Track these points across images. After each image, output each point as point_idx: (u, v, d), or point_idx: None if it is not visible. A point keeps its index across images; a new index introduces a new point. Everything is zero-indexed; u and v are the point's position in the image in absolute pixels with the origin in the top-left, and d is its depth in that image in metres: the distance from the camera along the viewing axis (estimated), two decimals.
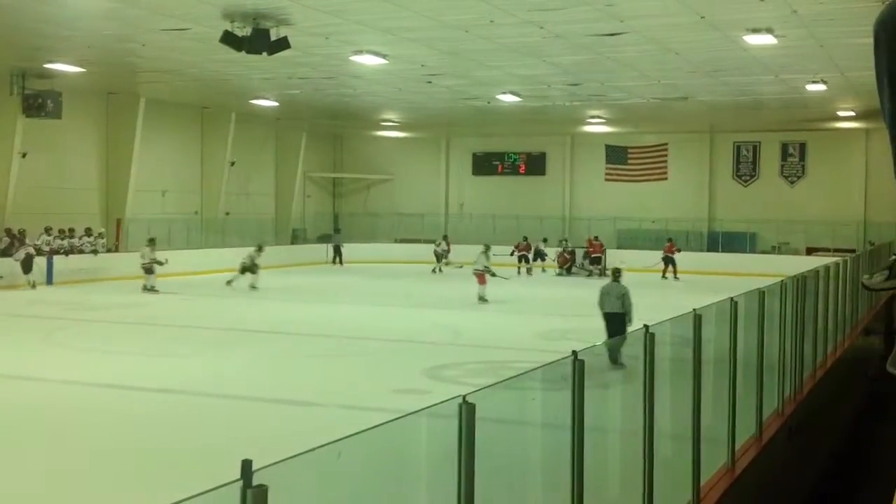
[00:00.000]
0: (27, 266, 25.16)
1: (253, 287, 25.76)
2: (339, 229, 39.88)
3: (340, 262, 37.36)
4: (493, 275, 24.00)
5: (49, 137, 28.78)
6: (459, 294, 26.26)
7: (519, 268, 33.84)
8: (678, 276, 31.61)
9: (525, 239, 35.02)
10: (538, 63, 23.82)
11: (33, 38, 21.67)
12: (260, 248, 27.03)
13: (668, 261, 32.26)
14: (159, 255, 25.14)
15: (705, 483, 7.01)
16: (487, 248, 24.85)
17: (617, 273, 15.05)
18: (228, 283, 26.04)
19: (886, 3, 2.10)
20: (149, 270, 25.18)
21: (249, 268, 26.18)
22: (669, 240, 33.48)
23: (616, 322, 13.73)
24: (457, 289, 27.80)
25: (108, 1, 17.75)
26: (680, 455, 6.90)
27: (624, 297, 14.01)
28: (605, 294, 14.36)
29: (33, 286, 25.20)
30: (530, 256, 34.49)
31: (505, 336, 17.86)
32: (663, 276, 31.82)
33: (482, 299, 23.50)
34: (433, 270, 33.89)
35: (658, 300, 22.97)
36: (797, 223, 36.07)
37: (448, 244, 35.45)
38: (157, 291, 24.74)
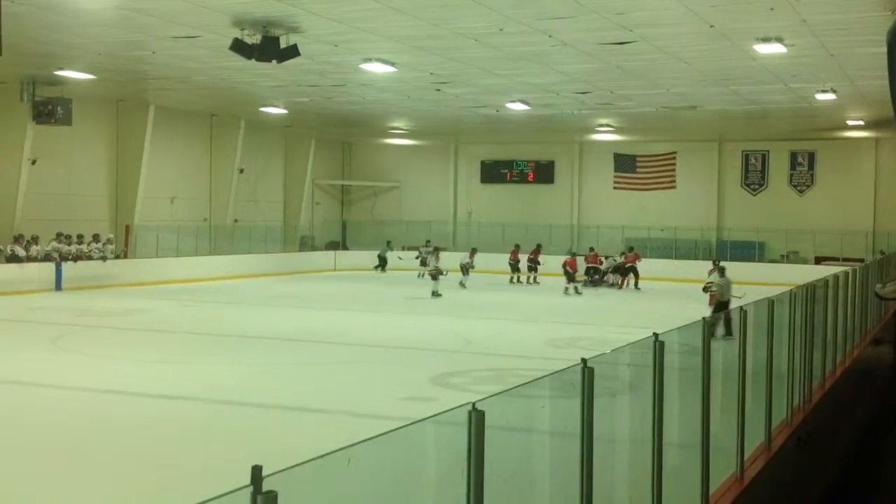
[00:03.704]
0: None
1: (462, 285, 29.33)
2: (389, 242, 38.86)
3: (383, 270, 37.15)
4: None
5: (59, 144, 28.92)
6: (468, 302, 26.25)
7: (512, 277, 33.44)
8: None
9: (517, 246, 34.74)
10: (547, 71, 23.84)
11: (44, 46, 21.76)
12: (436, 250, 29.42)
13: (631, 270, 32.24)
14: (443, 266, 28.05)
15: (714, 492, 6.98)
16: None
17: (723, 269, 19.50)
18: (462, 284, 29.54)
19: None
20: (434, 276, 27.63)
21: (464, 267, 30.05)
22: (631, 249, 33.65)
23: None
24: (466, 297, 27.81)
25: (119, 8, 17.83)
26: (689, 464, 6.87)
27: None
28: (725, 286, 18.38)
29: None
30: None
31: (513, 343, 17.83)
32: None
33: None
34: (419, 275, 33.32)
35: (668, 308, 23.00)
36: (806, 232, 36.00)
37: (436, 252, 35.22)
38: (439, 295, 26.91)
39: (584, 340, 17.93)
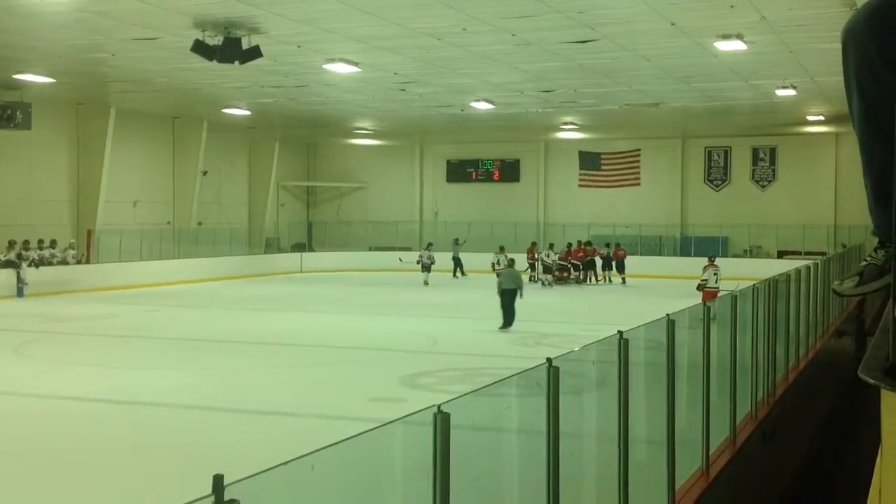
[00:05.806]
0: None
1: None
2: (457, 239, 36.59)
3: (463, 273, 34.98)
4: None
5: (19, 149, 28.53)
6: (437, 302, 26.24)
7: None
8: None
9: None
10: (511, 70, 23.89)
11: (2, 49, 21.45)
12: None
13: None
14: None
15: (680, 487, 7.03)
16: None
17: (512, 261, 22.49)
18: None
19: (854, 11, 2.12)
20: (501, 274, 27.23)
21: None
22: (617, 244, 34.37)
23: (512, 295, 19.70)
24: (434, 297, 27.79)
25: (78, 10, 17.61)
26: (655, 460, 6.92)
27: (518, 279, 20.50)
28: (507, 276, 20.29)
29: None
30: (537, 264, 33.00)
31: (481, 343, 17.85)
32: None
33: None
34: (425, 282, 31.90)
35: (637, 304, 23.12)
36: (768, 227, 36.40)
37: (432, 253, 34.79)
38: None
39: (552, 338, 18.00)
